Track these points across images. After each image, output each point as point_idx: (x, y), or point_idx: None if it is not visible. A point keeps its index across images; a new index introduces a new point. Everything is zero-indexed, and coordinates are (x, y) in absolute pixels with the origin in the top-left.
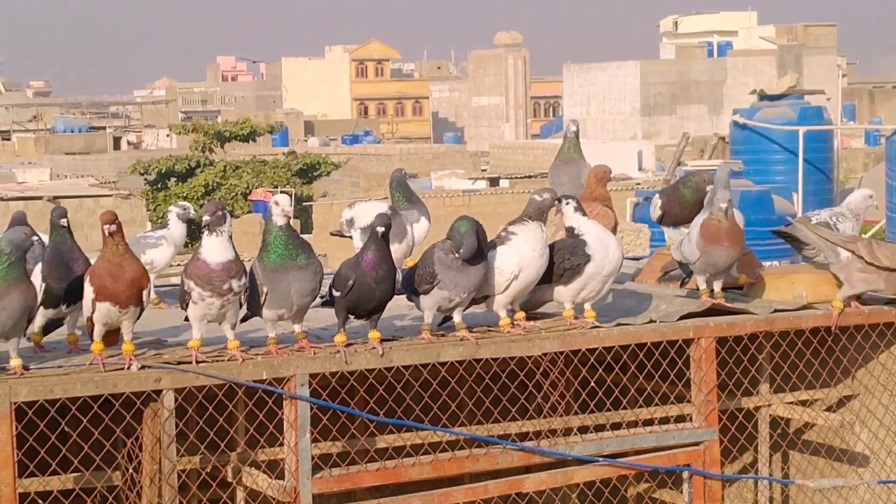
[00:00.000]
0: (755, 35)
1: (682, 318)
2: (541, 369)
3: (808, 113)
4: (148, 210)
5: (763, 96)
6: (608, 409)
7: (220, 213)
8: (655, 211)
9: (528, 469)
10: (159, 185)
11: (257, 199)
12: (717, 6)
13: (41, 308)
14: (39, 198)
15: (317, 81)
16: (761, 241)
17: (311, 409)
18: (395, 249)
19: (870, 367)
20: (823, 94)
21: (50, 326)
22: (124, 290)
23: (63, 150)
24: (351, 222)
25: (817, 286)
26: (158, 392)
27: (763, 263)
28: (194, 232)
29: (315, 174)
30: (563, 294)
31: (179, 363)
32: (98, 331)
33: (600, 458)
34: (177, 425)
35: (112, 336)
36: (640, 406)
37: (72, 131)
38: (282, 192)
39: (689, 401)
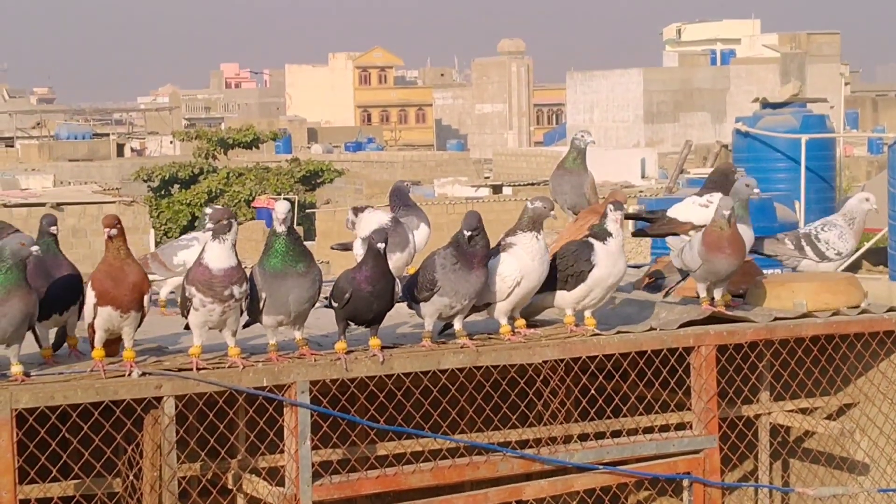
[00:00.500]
0: (758, 43)
1: (682, 325)
2: (541, 377)
3: (810, 121)
4: (151, 217)
5: (766, 104)
6: (608, 417)
7: (226, 221)
8: None
9: (528, 476)
10: (162, 192)
11: (260, 206)
12: (721, 14)
13: (38, 321)
14: (42, 204)
15: (320, 88)
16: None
17: (312, 416)
18: (398, 258)
19: (869, 375)
20: (826, 102)
21: (59, 340)
22: (126, 294)
23: (66, 156)
24: (353, 225)
25: (817, 294)
26: (159, 399)
27: (763, 271)
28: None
29: (318, 181)
30: (566, 300)
31: (180, 370)
32: (99, 337)
33: (600, 466)
34: (177, 432)
35: (113, 346)
36: (641, 414)
37: (75, 138)
38: (284, 198)
39: (689, 408)
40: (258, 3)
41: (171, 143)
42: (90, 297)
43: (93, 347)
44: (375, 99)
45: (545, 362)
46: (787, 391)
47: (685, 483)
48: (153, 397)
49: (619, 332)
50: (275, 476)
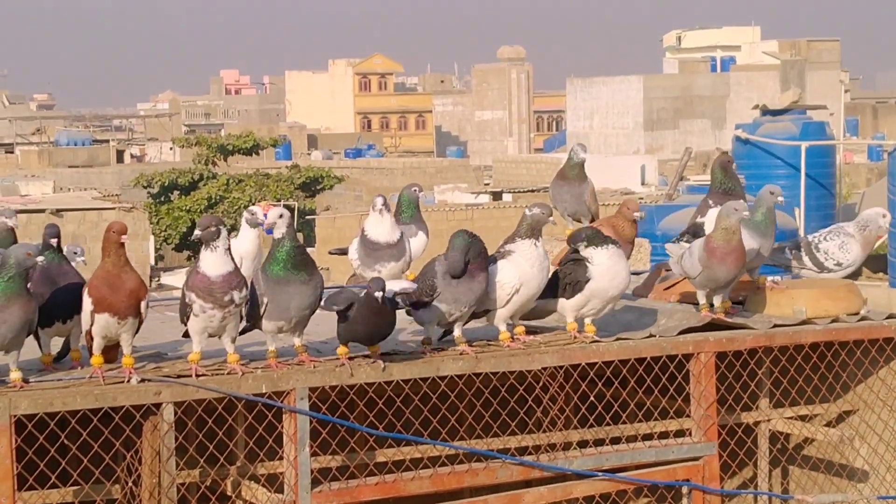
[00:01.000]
0: (758, 50)
1: (681, 332)
2: (540, 383)
3: (810, 128)
4: (151, 223)
5: (766, 111)
6: (608, 424)
7: (213, 228)
8: None
9: (527, 483)
10: (162, 199)
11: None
12: (721, 21)
13: (40, 328)
14: (42, 210)
15: (320, 95)
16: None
17: (311, 422)
18: (393, 266)
19: (869, 382)
20: (826, 109)
21: (63, 351)
22: (123, 300)
23: (66, 162)
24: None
25: (817, 301)
26: (158, 405)
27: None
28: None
29: (318, 188)
30: (566, 308)
31: (179, 376)
32: (97, 344)
33: (599, 473)
34: (176, 438)
35: (112, 352)
36: (640, 421)
37: (75, 144)
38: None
39: (688, 415)
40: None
41: (171, 149)
42: (87, 304)
43: (91, 354)
44: (375, 105)
45: (544, 369)
46: (787, 398)
47: (684, 490)
48: (152, 404)
49: (618, 339)
50: (274, 483)
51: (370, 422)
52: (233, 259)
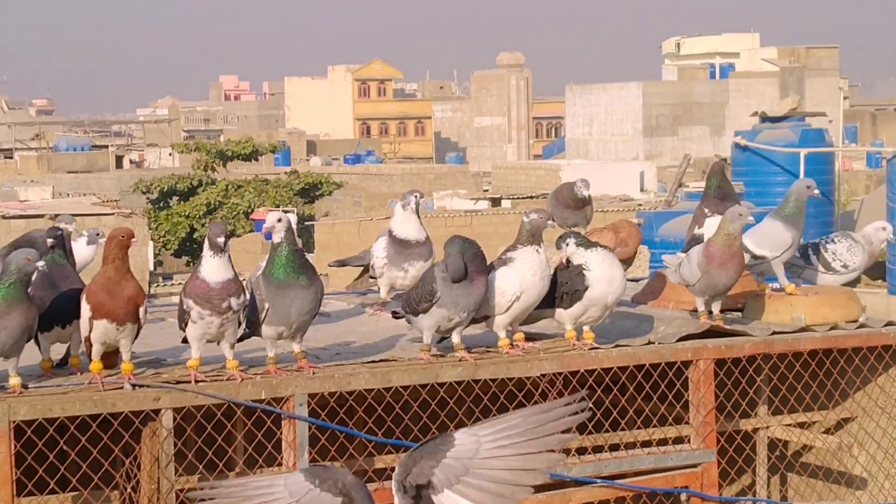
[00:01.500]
0: (757, 57)
1: (680, 339)
2: (539, 390)
3: (809, 135)
4: (150, 229)
5: (764, 118)
6: (606, 431)
7: (224, 238)
8: None
9: None
10: (161, 204)
11: (259, 219)
12: (720, 28)
13: (39, 333)
14: (41, 216)
15: (319, 101)
16: None
17: (310, 428)
18: (421, 265)
19: (867, 389)
20: (825, 116)
21: (64, 358)
22: (121, 307)
23: (65, 168)
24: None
25: (816, 309)
26: (157, 411)
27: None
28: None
29: (317, 194)
30: (564, 316)
31: (178, 382)
32: (96, 350)
33: (598, 480)
34: (175, 444)
35: (112, 357)
36: (639, 427)
37: (74, 150)
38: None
39: (687, 422)
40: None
41: (170, 155)
42: (85, 310)
43: (90, 360)
44: (374, 111)
45: (543, 376)
46: (785, 405)
47: (683, 497)
48: (151, 410)
49: (617, 346)
50: None
51: (369, 428)
52: (233, 266)
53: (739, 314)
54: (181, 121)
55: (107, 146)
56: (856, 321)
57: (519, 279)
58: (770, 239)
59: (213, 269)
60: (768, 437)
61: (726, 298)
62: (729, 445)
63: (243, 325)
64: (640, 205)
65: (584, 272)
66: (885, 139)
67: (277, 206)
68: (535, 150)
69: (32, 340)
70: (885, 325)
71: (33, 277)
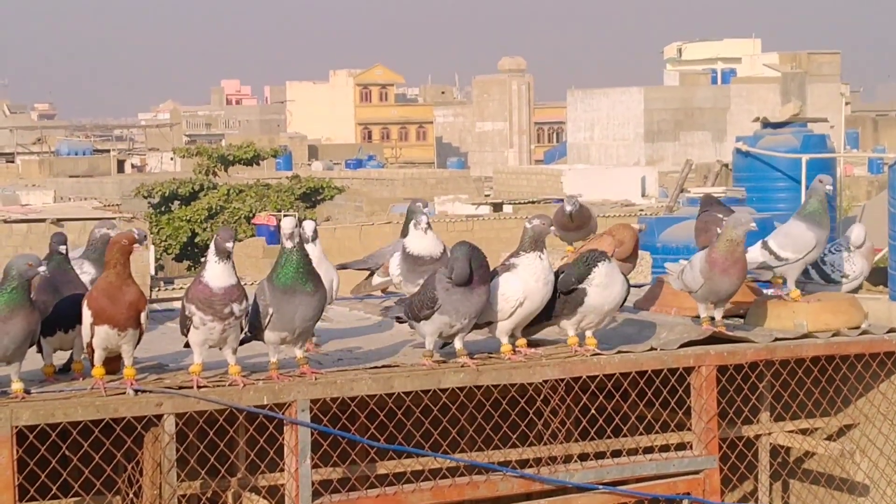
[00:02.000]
0: (759, 62)
1: (682, 346)
2: (542, 396)
3: (811, 141)
4: (151, 233)
5: (766, 124)
6: (608, 437)
7: (231, 244)
8: None
9: (528, 496)
10: (163, 209)
11: (260, 223)
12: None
13: (42, 337)
14: (43, 220)
15: (321, 105)
16: None
17: (312, 434)
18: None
19: (870, 396)
20: (827, 121)
21: (67, 364)
22: (122, 312)
23: (67, 172)
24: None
25: (818, 315)
26: (159, 417)
27: (764, 291)
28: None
29: (318, 198)
30: (565, 322)
31: (181, 388)
32: (98, 356)
33: (600, 486)
34: (177, 450)
35: (114, 363)
36: (641, 433)
37: (76, 154)
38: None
39: (689, 429)
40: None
41: (172, 159)
42: (86, 316)
43: (93, 365)
44: (376, 116)
45: (545, 381)
46: (788, 412)
47: (685, 503)
48: (153, 415)
49: (619, 352)
50: (275, 494)
51: (371, 434)
52: (236, 272)
53: (741, 320)
54: (183, 125)
55: (108, 150)
56: (858, 328)
57: (522, 285)
58: (792, 240)
59: (216, 274)
60: (770, 444)
61: (728, 305)
62: (731, 452)
63: (245, 330)
64: (642, 210)
65: (583, 286)
66: (887, 145)
67: (279, 211)
68: (536, 155)
69: (35, 346)
70: (888, 332)
71: (35, 282)
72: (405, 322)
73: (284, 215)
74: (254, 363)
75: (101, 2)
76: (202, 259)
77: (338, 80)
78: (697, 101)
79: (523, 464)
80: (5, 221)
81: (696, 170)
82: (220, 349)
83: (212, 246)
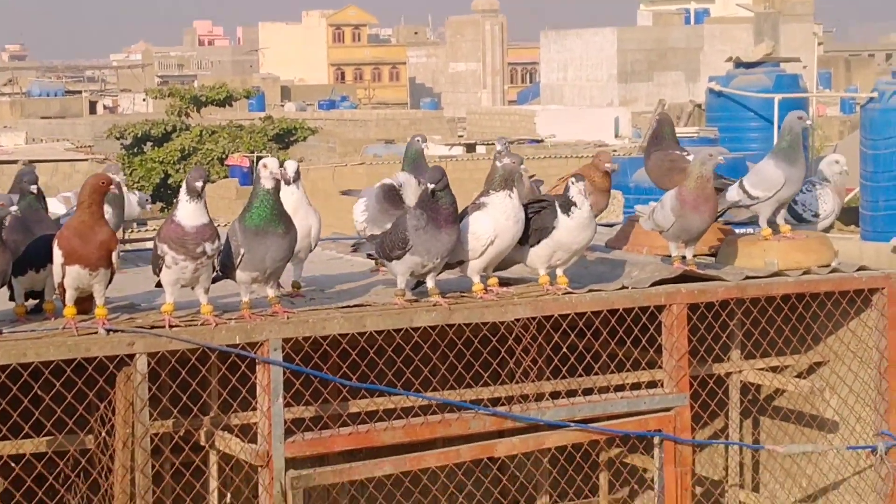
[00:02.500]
0: (732, 2)
1: (653, 284)
2: (513, 335)
3: (783, 81)
4: (125, 174)
5: (739, 64)
6: (580, 375)
7: (202, 183)
8: None
9: (500, 434)
10: (135, 150)
11: (233, 164)
12: None
13: (13, 277)
14: (14, 162)
15: (294, 46)
16: None
17: (284, 373)
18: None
19: (839, 334)
20: (799, 61)
21: (37, 306)
22: (93, 252)
23: (39, 114)
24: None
25: (788, 253)
26: (131, 356)
27: (735, 231)
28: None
29: (291, 139)
30: (535, 258)
31: (152, 327)
32: (70, 295)
33: (572, 424)
34: (150, 389)
35: (86, 303)
36: (612, 372)
37: (47, 95)
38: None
39: (660, 367)
40: None
41: (144, 100)
42: (57, 256)
43: (64, 305)
44: (349, 57)
45: (517, 320)
46: (758, 350)
47: (656, 440)
48: (126, 355)
49: (590, 291)
50: (247, 433)
51: (343, 373)
52: (208, 212)
53: (713, 259)
54: (155, 66)
55: (80, 92)
56: (828, 266)
57: (493, 223)
58: (762, 179)
59: (188, 213)
60: (741, 382)
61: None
62: (702, 389)
63: (217, 269)
64: (615, 150)
65: (553, 214)
66: (859, 85)
67: (252, 152)
68: (509, 96)
69: (6, 285)
70: (857, 270)
71: (6, 222)
72: (376, 259)
73: (257, 156)
74: (226, 303)
75: None
76: (175, 200)
77: (310, 21)
78: (671, 42)
79: (495, 402)
80: None
81: (670, 110)
82: (193, 289)
83: (183, 185)
